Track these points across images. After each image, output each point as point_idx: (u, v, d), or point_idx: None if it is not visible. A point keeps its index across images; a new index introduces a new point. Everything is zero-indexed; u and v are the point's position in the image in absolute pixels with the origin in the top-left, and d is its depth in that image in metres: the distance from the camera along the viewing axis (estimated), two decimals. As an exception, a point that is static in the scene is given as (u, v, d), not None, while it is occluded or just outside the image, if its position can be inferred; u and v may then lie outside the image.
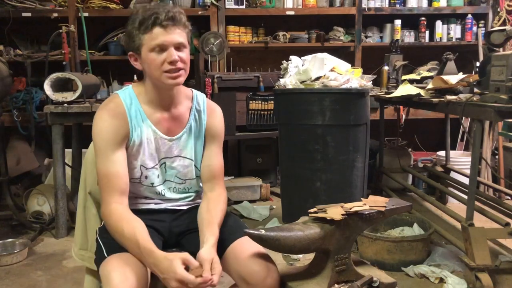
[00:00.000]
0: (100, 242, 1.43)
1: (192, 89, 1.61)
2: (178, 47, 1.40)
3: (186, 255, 1.28)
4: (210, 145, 1.58)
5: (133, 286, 1.24)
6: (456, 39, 4.30)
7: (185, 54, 1.42)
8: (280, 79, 2.85)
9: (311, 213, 1.42)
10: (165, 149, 1.52)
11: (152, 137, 1.49)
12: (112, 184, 1.41)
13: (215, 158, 1.58)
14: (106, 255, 1.36)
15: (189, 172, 1.56)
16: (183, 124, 1.54)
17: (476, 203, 2.47)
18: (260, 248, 1.39)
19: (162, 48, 1.38)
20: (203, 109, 1.58)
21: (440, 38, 4.33)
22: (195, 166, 1.57)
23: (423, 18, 4.22)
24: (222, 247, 1.44)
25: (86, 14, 3.78)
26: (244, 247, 1.41)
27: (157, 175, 1.52)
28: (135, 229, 1.34)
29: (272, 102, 3.52)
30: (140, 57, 1.42)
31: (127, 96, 1.48)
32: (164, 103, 1.50)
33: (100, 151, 1.43)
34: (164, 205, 1.56)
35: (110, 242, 1.40)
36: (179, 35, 1.39)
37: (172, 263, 1.25)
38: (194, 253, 1.49)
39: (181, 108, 1.54)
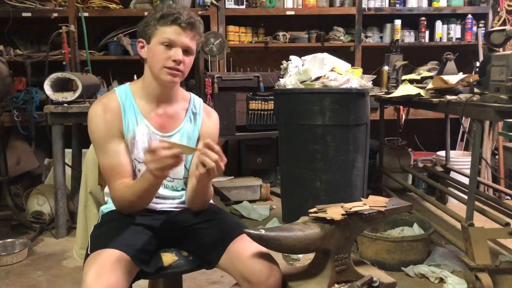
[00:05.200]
0: (89, 240, 1.44)
1: (190, 93, 1.65)
2: (186, 50, 1.45)
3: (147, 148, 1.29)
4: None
5: (107, 285, 1.22)
6: (456, 39, 4.30)
7: (189, 59, 1.48)
8: (280, 79, 2.85)
9: (311, 213, 1.42)
10: None
11: (145, 132, 1.51)
12: (116, 172, 1.46)
13: None
14: (89, 253, 1.36)
15: (178, 172, 1.57)
16: (178, 123, 1.56)
17: (476, 203, 2.47)
18: (262, 247, 1.39)
19: (171, 45, 1.43)
20: (199, 112, 1.60)
21: (440, 38, 4.33)
22: (184, 166, 1.57)
23: (423, 18, 4.22)
24: (222, 244, 1.44)
25: (86, 14, 3.79)
26: (246, 246, 1.41)
27: None
28: (130, 183, 1.42)
29: (272, 102, 3.52)
30: (148, 46, 1.46)
31: (123, 91, 1.52)
32: (160, 99, 1.53)
33: (98, 146, 1.47)
34: (160, 206, 1.57)
35: (96, 239, 1.41)
36: (191, 40, 1.45)
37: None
38: (194, 252, 1.50)
39: (177, 107, 1.57)
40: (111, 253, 1.31)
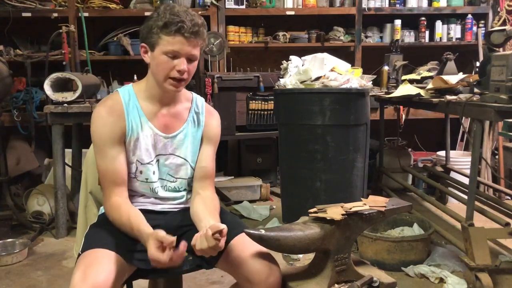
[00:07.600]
0: (83, 239, 1.45)
1: (192, 92, 1.64)
2: (190, 58, 1.44)
3: (157, 233, 1.27)
4: (206, 147, 1.60)
5: (92, 286, 1.21)
6: (456, 39, 4.30)
7: (193, 66, 1.46)
8: (280, 79, 2.85)
9: (311, 213, 1.42)
10: (160, 146, 1.53)
11: (149, 133, 1.50)
12: (111, 179, 1.46)
13: (210, 160, 1.59)
14: (80, 252, 1.36)
15: (181, 171, 1.57)
16: (181, 123, 1.56)
17: (476, 203, 2.47)
18: (262, 247, 1.39)
19: (175, 55, 1.41)
20: (202, 111, 1.60)
21: (440, 38, 4.33)
22: (190, 166, 1.57)
23: (423, 18, 4.22)
24: None
25: (86, 14, 3.78)
26: (246, 246, 1.41)
27: (152, 171, 1.53)
28: (130, 214, 1.40)
29: (272, 102, 3.51)
30: (152, 53, 1.44)
31: (126, 93, 1.51)
32: (163, 100, 1.52)
33: (98, 148, 1.47)
34: (160, 207, 1.57)
35: (88, 239, 1.41)
36: (195, 48, 1.43)
37: (147, 245, 1.28)
38: (193, 252, 1.48)
39: (180, 107, 1.57)
40: (100, 253, 1.32)
